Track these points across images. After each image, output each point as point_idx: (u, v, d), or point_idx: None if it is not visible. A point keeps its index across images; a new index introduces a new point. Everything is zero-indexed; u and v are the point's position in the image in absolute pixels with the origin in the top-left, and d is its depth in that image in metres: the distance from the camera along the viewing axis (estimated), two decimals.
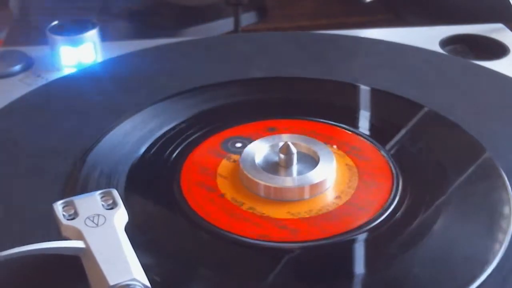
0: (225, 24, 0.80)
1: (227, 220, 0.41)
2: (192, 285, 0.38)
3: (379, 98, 0.54)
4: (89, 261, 0.35)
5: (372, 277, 0.38)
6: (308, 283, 0.38)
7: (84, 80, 0.59)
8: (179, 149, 0.48)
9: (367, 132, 0.50)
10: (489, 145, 0.47)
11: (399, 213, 0.42)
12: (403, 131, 0.50)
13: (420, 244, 0.39)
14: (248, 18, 0.81)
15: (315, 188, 0.43)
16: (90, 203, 0.38)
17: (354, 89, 0.56)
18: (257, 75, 0.58)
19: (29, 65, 0.62)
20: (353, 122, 0.51)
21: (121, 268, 0.34)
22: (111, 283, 0.33)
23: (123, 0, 0.81)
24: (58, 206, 0.37)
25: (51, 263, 0.36)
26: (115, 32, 0.75)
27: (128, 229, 0.37)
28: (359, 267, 0.39)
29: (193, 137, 0.50)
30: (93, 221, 0.36)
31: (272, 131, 0.49)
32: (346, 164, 0.46)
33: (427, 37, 0.66)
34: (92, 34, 0.61)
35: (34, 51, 0.64)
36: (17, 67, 0.61)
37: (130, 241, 0.36)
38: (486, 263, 0.38)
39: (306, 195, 0.43)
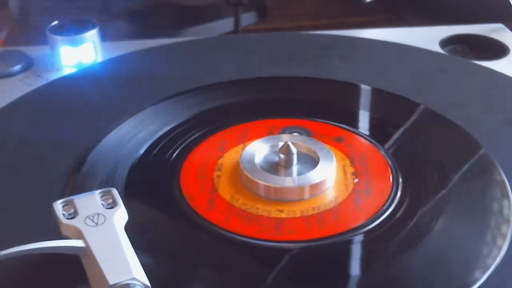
0: (225, 24, 0.80)
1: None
2: (192, 285, 0.38)
3: (379, 97, 0.54)
4: (89, 260, 0.35)
5: (371, 277, 0.38)
6: (308, 283, 0.38)
7: (84, 80, 0.59)
8: (179, 149, 0.48)
9: (367, 132, 0.50)
10: (489, 145, 0.47)
11: (398, 213, 0.42)
12: (403, 131, 0.50)
13: (419, 244, 0.39)
14: (248, 18, 0.81)
15: (315, 188, 0.43)
16: (90, 202, 0.38)
17: (354, 89, 0.56)
18: (257, 75, 0.58)
19: (29, 65, 0.62)
20: (353, 121, 0.51)
21: (121, 268, 0.34)
22: (111, 282, 0.33)
23: (123, 0, 0.81)
24: (58, 205, 0.37)
25: (51, 263, 0.36)
26: (115, 32, 0.75)
27: (128, 228, 0.37)
28: (359, 267, 0.39)
29: (193, 137, 0.50)
30: (93, 220, 0.36)
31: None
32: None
33: (427, 37, 0.66)
34: (92, 34, 0.61)
35: (34, 51, 0.64)
36: (17, 67, 0.61)
37: (130, 241, 0.36)
38: (486, 263, 0.37)
39: (306, 195, 0.43)
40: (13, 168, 0.47)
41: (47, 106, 0.54)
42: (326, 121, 0.51)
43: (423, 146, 0.48)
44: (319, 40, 0.65)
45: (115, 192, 0.38)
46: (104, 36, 0.63)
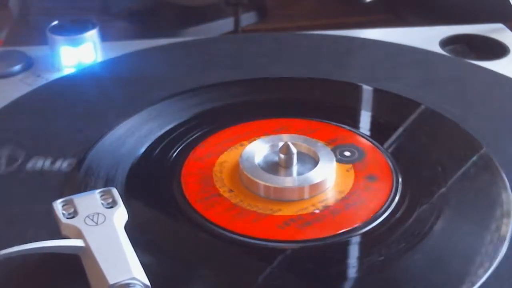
0: (225, 24, 0.80)
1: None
2: (192, 285, 0.38)
3: (379, 97, 0.54)
4: (88, 260, 0.35)
5: (371, 277, 0.38)
6: (308, 283, 0.38)
7: (84, 80, 0.59)
8: (179, 149, 0.48)
9: (367, 132, 0.50)
10: (489, 144, 0.47)
11: (398, 213, 0.42)
12: (402, 131, 0.50)
13: (419, 244, 0.39)
14: (248, 18, 0.81)
15: (315, 188, 0.43)
16: (89, 201, 0.38)
17: (354, 89, 0.56)
18: (257, 75, 0.58)
19: (29, 65, 0.62)
20: (353, 121, 0.51)
21: (120, 267, 0.34)
22: (111, 282, 0.33)
23: (123, 0, 0.81)
24: (58, 205, 0.37)
25: (51, 262, 0.36)
26: (115, 32, 0.75)
27: (128, 228, 0.37)
28: (359, 267, 0.39)
29: (193, 137, 0.50)
30: (92, 220, 0.36)
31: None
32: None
33: (427, 37, 0.66)
34: (92, 34, 0.61)
35: (34, 51, 0.64)
36: (17, 67, 0.61)
37: (130, 240, 0.36)
38: (486, 263, 0.37)
39: (306, 195, 0.43)
40: (13, 168, 0.47)
41: (47, 106, 0.54)
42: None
43: (423, 146, 0.48)
44: (319, 40, 0.65)
45: (115, 191, 0.38)
46: (104, 36, 0.63)
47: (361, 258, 0.40)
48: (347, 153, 0.47)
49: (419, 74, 0.58)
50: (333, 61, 0.60)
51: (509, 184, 0.44)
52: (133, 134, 0.50)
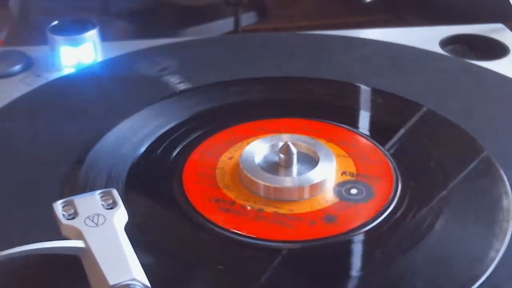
0: (225, 24, 0.80)
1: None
2: (192, 285, 0.38)
3: (379, 98, 0.54)
4: (89, 261, 0.35)
5: (372, 277, 0.38)
6: (308, 283, 0.38)
7: (84, 80, 0.59)
8: (179, 148, 0.48)
9: (367, 132, 0.50)
10: (489, 145, 0.47)
11: (398, 213, 0.42)
12: (403, 131, 0.50)
13: (420, 244, 0.39)
14: (248, 18, 0.81)
15: (315, 188, 0.43)
16: (90, 202, 0.38)
17: (354, 89, 0.56)
18: (257, 75, 0.58)
19: (29, 65, 0.62)
20: (353, 121, 0.51)
21: (121, 268, 0.34)
22: (111, 283, 0.33)
23: (123, 0, 0.81)
24: (58, 206, 0.37)
25: (51, 263, 0.36)
26: (115, 32, 0.75)
27: (128, 228, 0.37)
28: (359, 267, 0.39)
29: (193, 137, 0.50)
30: (93, 221, 0.36)
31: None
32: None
33: (427, 37, 0.66)
34: (92, 34, 0.61)
35: (34, 51, 0.64)
36: (17, 67, 0.61)
37: (130, 241, 0.36)
38: (486, 262, 0.38)
39: (306, 195, 0.43)
40: (13, 168, 0.47)
41: (47, 106, 0.54)
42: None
43: (423, 146, 0.48)
44: (319, 40, 0.65)
45: (115, 192, 0.38)
46: (104, 36, 0.63)
47: (361, 258, 0.40)
48: (353, 191, 0.44)
49: (419, 74, 0.58)
50: (333, 61, 0.60)
51: (509, 184, 0.44)
52: (133, 134, 0.50)
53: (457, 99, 0.54)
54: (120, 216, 0.37)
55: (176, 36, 0.74)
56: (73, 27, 0.61)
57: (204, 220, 0.41)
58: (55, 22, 0.62)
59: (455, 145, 0.48)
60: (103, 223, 0.36)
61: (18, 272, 0.36)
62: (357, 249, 0.40)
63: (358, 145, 0.48)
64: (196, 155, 0.47)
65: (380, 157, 0.47)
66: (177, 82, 0.55)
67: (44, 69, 0.61)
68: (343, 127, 0.50)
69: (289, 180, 0.43)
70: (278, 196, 0.43)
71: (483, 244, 0.39)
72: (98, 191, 0.38)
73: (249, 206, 0.42)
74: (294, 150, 0.44)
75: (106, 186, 0.43)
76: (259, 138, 0.47)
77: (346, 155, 0.47)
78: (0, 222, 0.41)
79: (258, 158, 0.45)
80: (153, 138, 0.50)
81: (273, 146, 0.46)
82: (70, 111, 0.53)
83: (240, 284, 0.38)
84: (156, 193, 0.45)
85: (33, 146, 0.49)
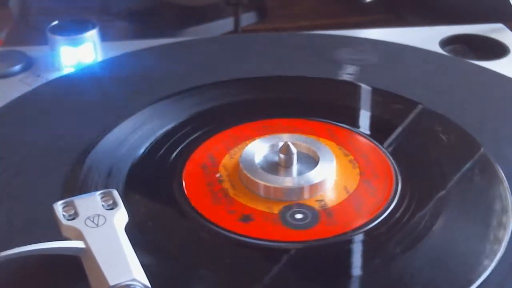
0: (225, 24, 0.80)
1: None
2: (192, 285, 0.38)
3: (379, 97, 0.54)
4: (89, 261, 0.35)
5: (372, 277, 0.38)
6: (308, 283, 0.38)
7: (84, 80, 0.59)
8: (179, 149, 0.48)
9: (367, 132, 0.50)
10: (488, 144, 0.47)
11: (398, 213, 0.42)
12: (402, 131, 0.50)
13: (419, 244, 0.39)
14: (248, 18, 0.81)
15: (315, 188, 0.43)
16: (90, 203, 0.38)
17: (354, 89, 0.56)
18: (257, 75, 0.58)
19: (29, 65, 0.62)
20: (353, 121, 0.51)
21: (121, 268, 0.34)
22: (111, 283, 0.33)
23: (123, 0, 0.81)
24: (58, 206, 0.37)
25: (52, 264, 0.36)
26: (115, 32, 0.75)
27: (128, 229, 0.37)
28: (360, 267, 0.39)
29: (193, 137, 0.50)
30: (93, 222, 0.36)
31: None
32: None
33: (427, 37, 0.66)
34: (92, 34, 0.61)
35: (34, 51, 0.64)
36: (17, 67, 0.61)
37: (130, 241, 0.36)
38: (486, 262, 0.38)
39: (306, 195, 0.43)
40: (13, 168, 0.47)
41: (47, 106, 0.54)
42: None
43: (423, 146, 0.48)
44: (319, 40, 0.65)
45: (115, 193, 0.38)
46: (104, 36, 0.63)
47: (361, 258, 0.40)
48: (298, 216, 0.42)
49: (419, 74, 0.58)
50: (333, 61, 0.60)
51: (508, 183, 0.44)
52: (133, 134, 0.50)
53: (457, 99, 0.54)
54: (121, 216, 0.37)
55: (176, 36, 0.74)
56: (73, 27, 0.61)
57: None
58: (55, 22, 0.62)
59: (454, 145, 0.48)
60: (103, 223, 0.36)
61: (18, 272, 0.36)
62: (357, 250, 0.40)
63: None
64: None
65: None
66: (348, 73, 0.54)
67: (44, 69, 0.61)
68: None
69: (289, 180, 0.43)
70: (278, 196, 0.43)
71: (482, 243, 0.39)
72: (99, 192, 0.38)
73: (218, 174, 0.42)
74: (294, 150, 0.44)
75: (106, 186, 0.43)
76: (259, 138, 0.47)
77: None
78: (1, 222, 0.41)
79: (258, 158, 0.45)
80: (153, 138, 0.50)
81: (273, 146, 0.46)
82: (70, 111, 0.53)
83: (240, 284, 0.38)
84: (156, 194, 0.45)
85: (33, 146, 0.49)
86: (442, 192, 0.43)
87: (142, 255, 0.35)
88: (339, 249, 0.40)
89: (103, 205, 0.38)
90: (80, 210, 0.37)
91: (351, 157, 0.47)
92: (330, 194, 0.43)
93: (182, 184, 0.45)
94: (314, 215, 0.42)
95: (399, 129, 0.50)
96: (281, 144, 0.45)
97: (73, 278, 0.36)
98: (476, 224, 0.41)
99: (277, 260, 0.39)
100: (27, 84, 0.59)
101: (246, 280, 0.38)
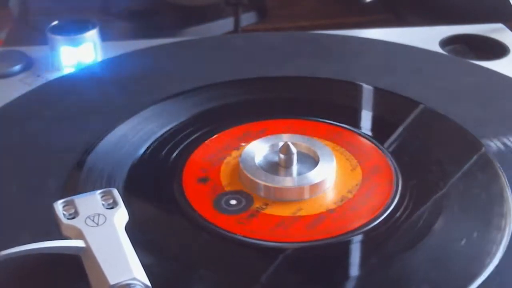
0: (225, 24, 0.80)
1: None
2: (192, 285, 0.38)
3: (379, 97, 0.54)
4: (89, 260, 0.35)
5: (372, 277, 0.38)
6: (308, 283, 0.38)
7: (84, 80, 0.59)
8: (179, 149, 0.48)
9: (368, 132, 0.50)
10: (489, 144, 0.47)
11: (398, 213, 0.42)
12: (403, 131, 0.50)
13: (420, 244, 0.39)
14: (248, 18, 0.81)
15: (315, 188, 0.43)
16: (90, 202, 0.38)
17: (355, 89, 0.56)
18: (257, 75, 0.58)
19: (29, 65, 0.62)
20: (354, 121, 0.51)
21: (121, 268, 0.34)
22: (112, 282, 0.33)
23: (123, 0, 0.81)
24: (59, 206, 0.37)
25: (51, 262, 0.36)
26: (115, 32, 0.75)
27: (128, 228, 0.37)
28: (360, 267, 0.39)
29: (193, 137, 0.50)
30: (93, 221, 0.36)
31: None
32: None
33: (427, 37, 0.66)
34: (92, 34, 0.61)
35: (34, 51, 0.64)
36: (17, 67, 0.61)
37: (130, 241, 0.36)
38: (486, 262, 0.38)
39: (306, 195, 0.43)
40: (13, 168, 0.47)
41: (46, 106, 0.54)
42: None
43: (423, 146, 0.48)
44: (319, 40, 0.65)
45: (115, 192, 0.38)
46: (104, 36, 0.63)
47: (361, 258, 0.40)
48: (233, 202, 0.43)
49: (419, 73, 0.58)
50: (333, 61, 0.60)
51: (509, 183, 0.44)
52: (133, 134, 0.50)
53: (457, 99, 0.54)
54: (121, 216, 0.37)
55: (176, 36, 0.74)
56: (73, 27, 0.61)
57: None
58: (55, 22, 0.62)
59: (455, 144, 0.48)
60: (103, 222, 0.36)
61: (18, 272, 0.36)
62: (357, 250, 0.40)
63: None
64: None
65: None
66: None
67: (44, 69, 0.61)
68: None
69: (289, 180, 0.43)
70: (278, 196, 0.43)
71: (482, 243, 0.39)
72: (99, 191, 0.38)
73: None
74: (294, 150, 0.44)
75: (106, 186, 0.43)
76: (259, 138, 0.47)
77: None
78: (1, 222, 0.41)
79: (258, 158, 0.45)
80: (153, 138, 0.50)
81: (273, 146, 0.46)
82: (70, 111, 0.53)
83: (240, 284, 0.38)
84: (156, 193, 0.45)
85: (33, 146, 0.49)
86: (443, 192, 0.43)
87: (143, 255, 0.35)
88: (339, 249, 0.40)
89: (103, 204, 0.38)
90: (80, 209, 0.37)
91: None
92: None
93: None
94: (249, 199, 0.43)
95: (399, 128, 0.50)
96: (281, 144, 0.45)
97: (73, 278, 0.36)
98: (476, 224, 0.41)
99: (277, 260, 0.39)
100: (27, 84, 0.59)
101: (246, 280, 0.38)
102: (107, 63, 0.61)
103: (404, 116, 0.51)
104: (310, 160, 0.45)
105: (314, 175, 0.43)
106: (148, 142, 0.49)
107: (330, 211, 0.42)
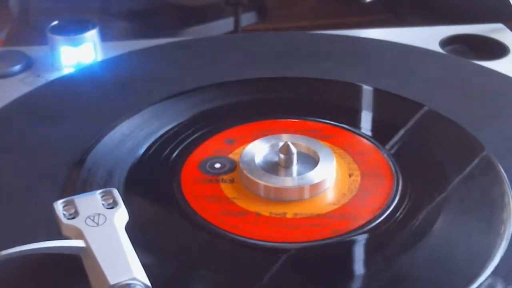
0: (225, 24, 0.80)
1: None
2: (192, 285, 0.38)
3: (379, 97, 0.54)
4: (89, 260, 0.35)
5: (372, 277, 0.38)
6: (308, 283, 0.38)
7: (84, 80, 0.59)
8: (179, 149, 0.48)
9: (368, 132, 0.50)
10: (489, 144, 0.47)
11: (398, 213, 0.42)
12: (403, 131, 0.50)
13: (420, 244, 0.39)
14: (248, 18, 0.81)
15: (315, 188, 0.43)
16: (90, 202, 0.38)
17: (355, 89, 0.56)
18: (257, 75, 0.58)
19: (29, 65, 0.62)
20: (354, 121, 0.51)
21: (121, 267, 0.34)
22: (112, 282, 0.33)
23: (123, 0, 0.81)
24: (59, 205, 0.37)
25: (51, 262, 0.36)
26: (115, 32, 0.75)
27: (129, 228, 0.37)
28: (360, 267, 0.39)
29: (193, 137, 0.50)
30: (93, 221, 0.36)
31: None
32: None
33: (427, 37, 0.66)
34: (92, 34, 0.61)
35: (34, 51, 0.64)
36: (17, 67, 0.61)
37: (130, 241, 0.36)
38: (487, 262, 0.38)
39: (306, 195, 0.43)
40: (13, 168, 0.47)
41: (47, 106, 0.54)
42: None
43: (424, 146, 0.48)
44: (319, 40, 0.65)
45: (115, 192, 0.38)
46: (104, 36, 0.63)
47: (362, 259, 0.40)
48: (217, 165, 0.46)
49: (419, 74, 0.58)
50: (333, 61, 0.60)
51: (510, 184, 0.44)
52: (133, 134, 0.50)
53: (457, 99, 0.54)
54: (121, 215, 0.37)
55: (176, 36, 0.74)
56: (73, 27, 0.61)
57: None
58: (55, 22, 0.62)
59: (455, 145, 0.48)
60: (103, 222, 0.36)
61: (18, 272, 0.36)
62: (357, 250, 0.40)
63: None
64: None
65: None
66: None
67: (44, 69, 0.61)
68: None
69: (289, 180, 0.43)
70: (278, 196, 0.43)
71: (483, 243, 0.39)
72: (99, 191, 0.38)
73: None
74: (294, 150, 0.44)
75: (106, 186, 0.43)
76: (259, 138, 0.47)
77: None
78: (1, 222, 0.41)
79: (258, 158, 0.45)
80: (153, 138, 0.50)
81: (273, 146, 0.46)
82: (70, 111, 0.53)
83: (240, 284, 0.38)
84: (156, 193, 0.45)
85: (34, 146, 0.49)
86: (444, 193, 0.43)
87: (143, 255, 0.35)
88: (339, 249, 0.40)
89: (103, 204, 0.38)
90: (81, 209, 0.37)
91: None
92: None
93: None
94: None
95: (399, 129, 0.50)
96: (281, 144, 0.45)
97: (73, 278, 0.36)
98: (477, 224, 0.41)
99: (277, 260, 0.39)
100: (27, 84, 0.59)
101: (246, 280, 0.38)
102: (107, 63, 0.61)
103: (404, 116, 0.51)
104: (310, 160, 0.45)
105: (314, 175, 0.43)
106: (148, 142, 0.49)
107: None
